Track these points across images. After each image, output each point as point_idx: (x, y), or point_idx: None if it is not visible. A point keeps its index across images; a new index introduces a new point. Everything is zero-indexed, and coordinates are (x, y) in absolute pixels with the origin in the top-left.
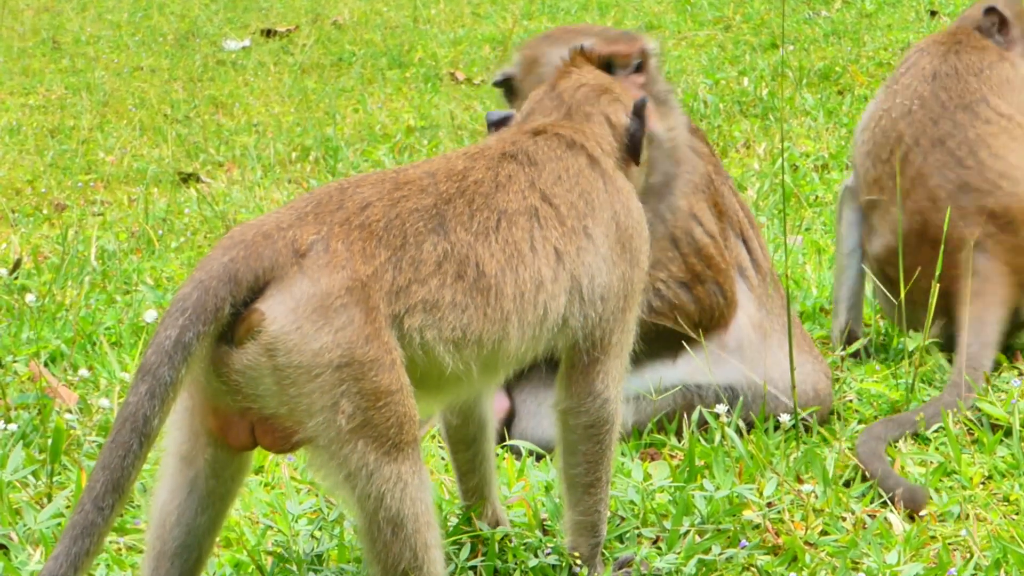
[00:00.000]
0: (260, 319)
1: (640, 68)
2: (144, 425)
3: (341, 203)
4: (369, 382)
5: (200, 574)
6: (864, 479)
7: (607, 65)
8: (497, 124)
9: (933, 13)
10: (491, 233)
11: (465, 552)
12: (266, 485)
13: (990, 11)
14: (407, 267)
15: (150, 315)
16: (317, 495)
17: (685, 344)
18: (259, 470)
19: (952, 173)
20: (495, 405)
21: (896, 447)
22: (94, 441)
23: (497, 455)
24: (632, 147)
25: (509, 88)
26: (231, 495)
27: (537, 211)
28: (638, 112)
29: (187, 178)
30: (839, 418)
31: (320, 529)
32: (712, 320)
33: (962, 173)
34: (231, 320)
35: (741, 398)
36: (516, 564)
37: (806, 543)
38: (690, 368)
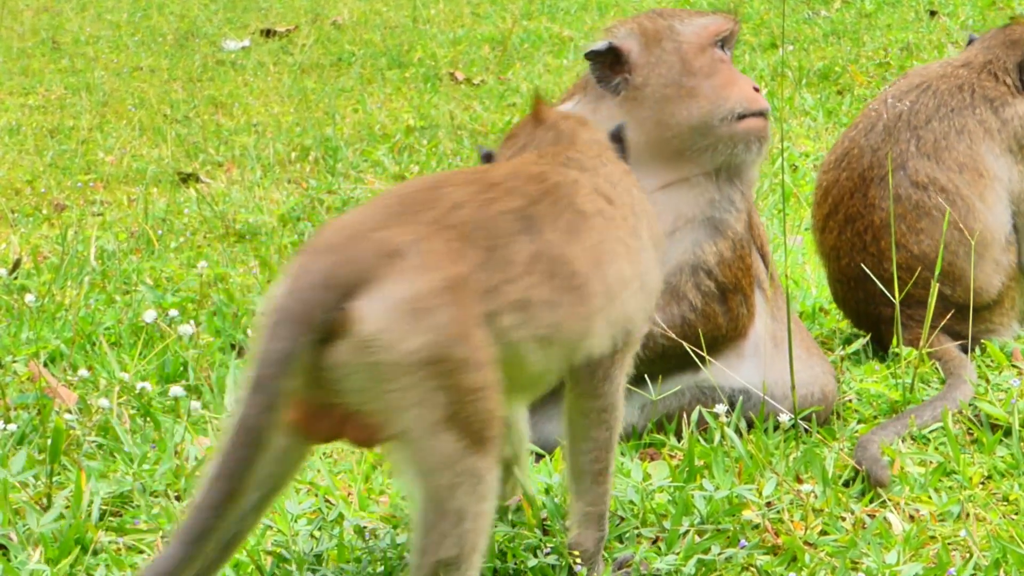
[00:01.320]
0: (354, 320)
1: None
2: (259, 436)
3: (431, 203)
4: (461, 380)
5: (234, 553)
6: (864, 479)
7: (723, 41)
8: (487, 158)
9: (933, 13)
10: (578, 233)
11: None
12: None
13: None
14: (498, 267)
15: (149, 315)
16: (316, 495)
17: (692, 353)
18: None
19: (859, 257)
20: None
21: (896, 447)
22: (93, 441)
23: None
24: None
25: (612, 59)
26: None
27: (605, 213)
28: (619, 137)
29: (186, 178)
30: (838, 417)
31: (319, 529)
32: (736, 330)
33: (866, 258)
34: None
35: (741, 399)
36: (516, 564)
37: (805, 543)
38: (708, 373)
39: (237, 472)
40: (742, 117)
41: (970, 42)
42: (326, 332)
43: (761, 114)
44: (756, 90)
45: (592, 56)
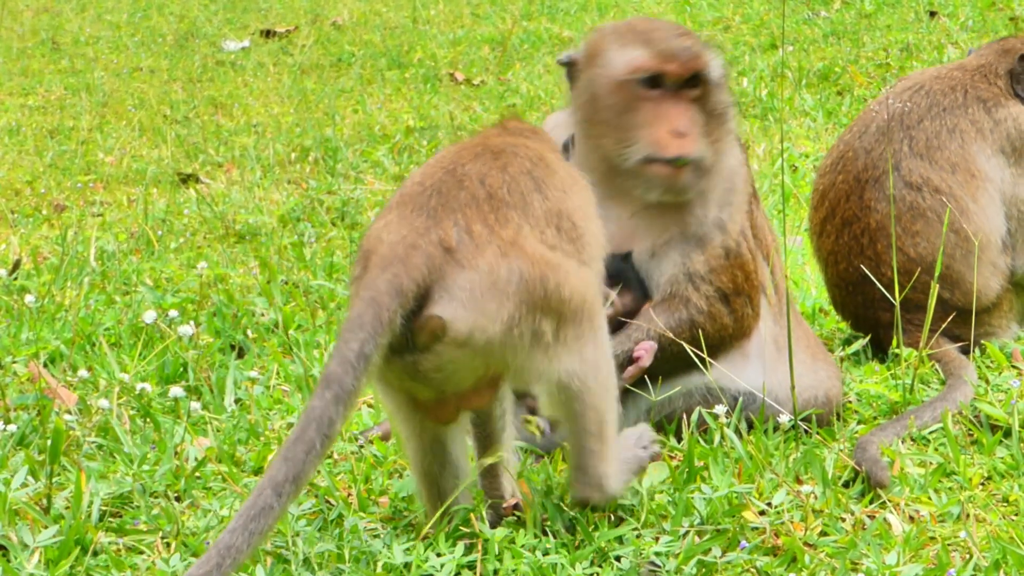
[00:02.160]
0: (440, 323)
1: (695, 83)
2: (328, 427)
3: (459, 185)
4: (554, 297)
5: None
6: (864, 480)
7: (655, 79)
8: None
9: (932, 14)
10: (568, 191)
11: (460, 550)
12: None
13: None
14: (531, 218)
15: (149, 316)
16: (316, 496)
17: (701, 354)
18: (258, 471)
19: (857, 261)
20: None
21: (896, 448)
22: (93, 442)
23: None
24: None
25: (570, 71)
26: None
27: (578, 179)
28: (566, 148)
29: (186, 179)
30: (838, 418)
31: (319, 530)
32: (741, 329)
33: (863, 262)
34: (404, 329)
35: (742, 400)
36: (515, 564)
37: (805, 544)
38: (715, 374)
39: (303, 457)
40: (649, 161)
41: (969, 54)
42: (414, 339)
43: (669, 161)
44: (680, 134)
45: (560, 64)
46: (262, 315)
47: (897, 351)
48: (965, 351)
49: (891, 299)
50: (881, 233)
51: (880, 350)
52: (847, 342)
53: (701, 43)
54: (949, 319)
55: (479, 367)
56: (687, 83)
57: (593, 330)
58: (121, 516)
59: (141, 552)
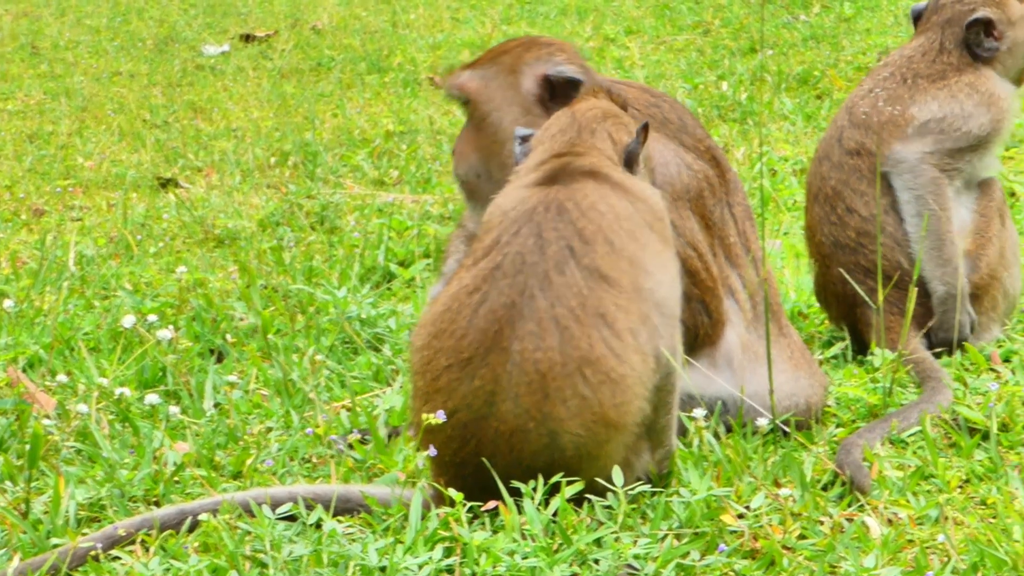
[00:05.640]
0: None
1: (465, 105)
2: None
3: None
4: None
5: None
6: (843, 483)
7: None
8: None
9: None
10: None
11: (439, 553)
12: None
13: (973, 24)
14: None
15: (128, 320)
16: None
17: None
18: (237, 475)
19: (827, 229)
20: None
21: (874, 451)
22: (72, 447)
23: None
24: None
25: None
26: None
27: None
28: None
29: (166, 183)
30: (817, 422)
31: (298, 534)
32: (699, 338)
33: (832, 230)
34: None
35: (720, 404)
36: (493, 568)
37: (784, 547)
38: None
39: None
40: None
41: None
42: None
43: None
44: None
45: None
46: (241, 319)
47: (875, 351)
48: (938, 351)
49: (871, 302)
50: (838, 198)
51: (864, 346)
52: (827, 344)
53: (482, 67)
54: (930, 324)
55: None
56: (464, 105)
57: None
58: (100, 521)
59: (119, 557)
